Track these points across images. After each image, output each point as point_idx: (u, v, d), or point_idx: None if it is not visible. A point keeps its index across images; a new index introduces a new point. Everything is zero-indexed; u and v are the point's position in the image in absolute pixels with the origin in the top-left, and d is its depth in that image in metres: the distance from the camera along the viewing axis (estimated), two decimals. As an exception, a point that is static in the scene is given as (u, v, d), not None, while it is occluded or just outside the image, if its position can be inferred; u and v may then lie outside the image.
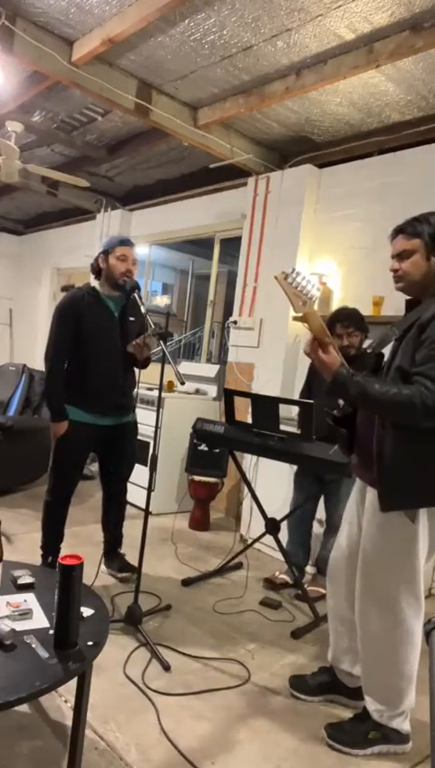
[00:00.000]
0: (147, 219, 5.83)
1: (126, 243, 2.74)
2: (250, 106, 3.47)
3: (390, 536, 1.76)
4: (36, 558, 2.82)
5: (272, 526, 2.94)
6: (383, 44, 2.77)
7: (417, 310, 1.77)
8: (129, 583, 2.87)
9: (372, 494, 1.81)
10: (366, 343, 2.96)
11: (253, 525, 3.63)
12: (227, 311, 6.42)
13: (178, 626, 2.57)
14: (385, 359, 1.87)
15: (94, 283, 2.80)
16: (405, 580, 1.75)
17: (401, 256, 1.80)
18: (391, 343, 1.81)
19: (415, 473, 1.70)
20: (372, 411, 1.78)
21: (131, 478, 2.99)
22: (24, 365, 5.06)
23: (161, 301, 10.98)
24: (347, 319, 2.92)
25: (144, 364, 2.83)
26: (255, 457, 3.62)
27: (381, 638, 1.81)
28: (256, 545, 3.44)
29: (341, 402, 1.99)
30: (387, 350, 1.86)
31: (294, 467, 3.16)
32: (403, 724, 1.85)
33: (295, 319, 1.73)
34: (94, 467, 4.23)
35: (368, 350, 2.00)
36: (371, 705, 1.86)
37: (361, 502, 1.93)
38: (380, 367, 1.87)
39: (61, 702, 1.90)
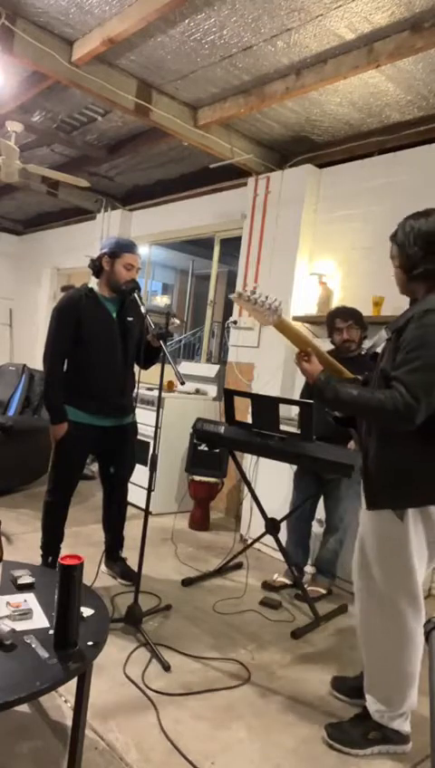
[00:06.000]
0: (147, 219, 5.83)
1: (134, 250, 2.70)
2: (250, 106, 3.46)
3: (382, 533, 1.79)
4: (36, 558, 2.82)
5: (272, 526, 2.94)
6: (383, 44, 2.77)
7: (404, 313, 1.80)
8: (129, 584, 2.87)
9: None
10: (366, 344, 2.97)
11: (253, 525, 3.62)
12: (227, 311, 6.42)
13: (178, 626, 2.57)
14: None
15: (92, 283, 2.79)
16: (401, 578, 1.76)
17: (392, 261, 1.86)
18: (383, 344, 1.85)
19: (397, 475, 1.74)
20: (350, 414, 1.91)
21: (131, 478, 2.98)
22: (24, 365, 5.06)
23: (161, 300, 10.98)
24: (345, 313, 3.06)
25: (153, 357, 2.75)
26: (255, 457, 3.62)
27: (381, 637, 1.82)
28: (256, 545, 3.44)
29: None
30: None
31: (294, 467, 3.16)
32: (404, 725, 1.85)
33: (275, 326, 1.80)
34: (94, 467, 4.23)
35: (363, 353, 2.04)
36: (372, 705, 1.86)
37: None
38: None
39: (61, 702, 1.91)
